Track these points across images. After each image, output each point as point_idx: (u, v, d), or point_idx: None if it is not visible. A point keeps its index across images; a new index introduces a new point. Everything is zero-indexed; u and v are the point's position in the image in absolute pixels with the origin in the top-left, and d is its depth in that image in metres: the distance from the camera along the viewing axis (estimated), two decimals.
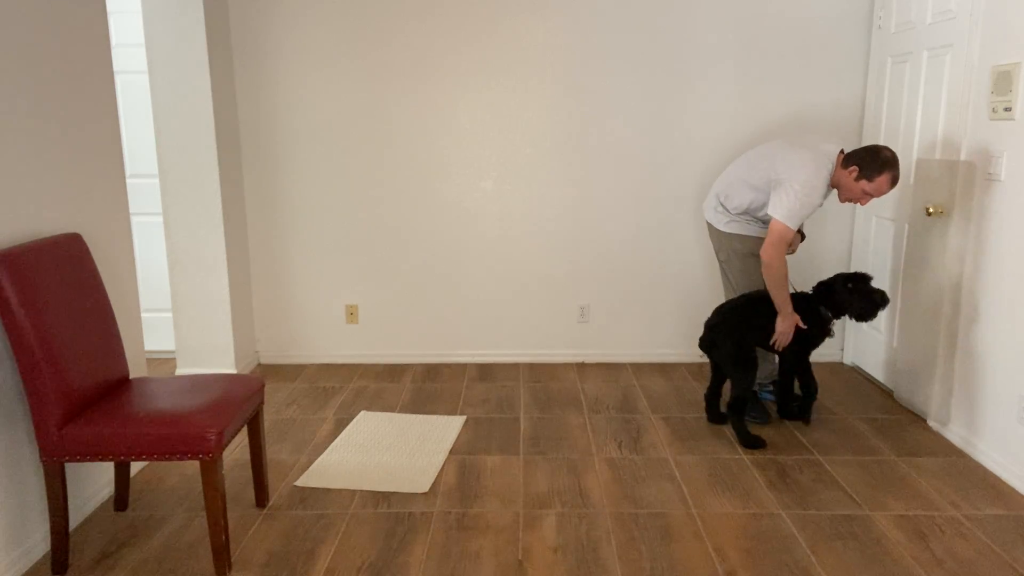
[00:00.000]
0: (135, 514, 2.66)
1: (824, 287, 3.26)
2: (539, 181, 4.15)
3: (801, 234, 3.47)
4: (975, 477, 2.90)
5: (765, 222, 3.35)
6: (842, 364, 4.26)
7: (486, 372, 4.17)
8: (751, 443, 3.15)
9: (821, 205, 3.21)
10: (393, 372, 4.19)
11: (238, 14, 3.97)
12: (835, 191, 3.35)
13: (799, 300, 3.26)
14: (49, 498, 2.24)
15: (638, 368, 4.22)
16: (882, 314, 3.84)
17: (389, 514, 2.65)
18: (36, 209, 2.39)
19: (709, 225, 3.51)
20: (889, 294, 3.76)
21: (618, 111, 4.06)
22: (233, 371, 4.05)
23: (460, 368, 4.25)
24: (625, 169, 4.12)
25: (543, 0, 3.95)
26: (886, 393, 3.79)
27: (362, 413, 3.56)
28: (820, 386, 3.83)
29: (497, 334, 4.32)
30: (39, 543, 2.39)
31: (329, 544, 2.47)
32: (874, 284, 3.31)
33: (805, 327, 3.20)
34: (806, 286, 4.06)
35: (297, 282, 4.27)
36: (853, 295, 3.18)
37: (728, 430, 3.34)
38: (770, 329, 3.20)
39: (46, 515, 2.43)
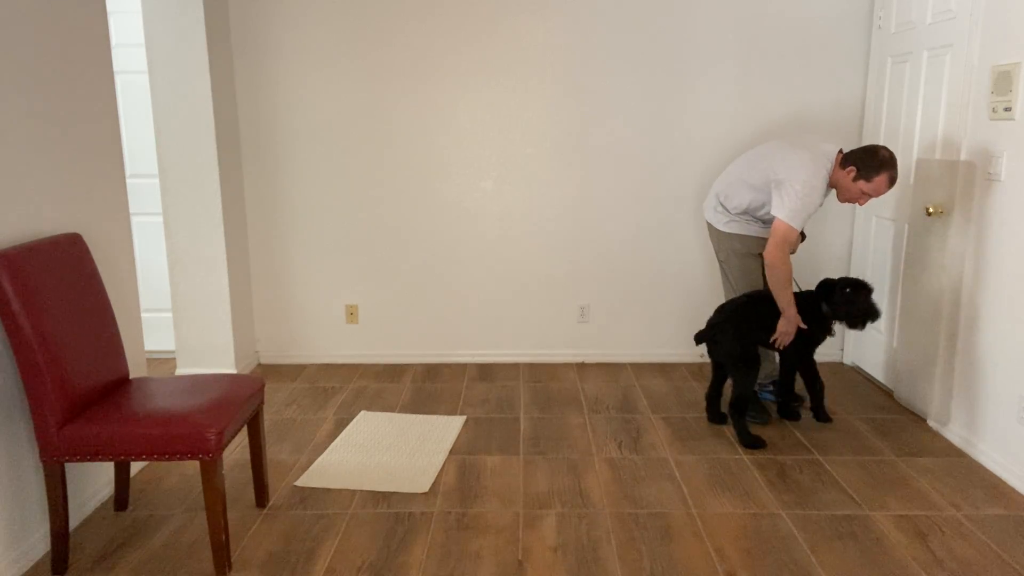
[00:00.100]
0: (135, 514, 2.66)
1: (826, 286, 3.26)
2: (539, 181, 4.15)
3: (802, 234, 3.47)
4: (975, 477, 2.90)
5: (765, 222, 3.35)
6: (842, 364, 4.26)
7: (486, 372, 4.18)
8: (751, 443, 3.15)
9: (821, 205, 3.21)
10: (393, 372, 4.19)
11: (238, 14, 3.97)
12: (834, 191, 3.35)
13: (801, 298, 3.26)
14: (49, 498, 2.24)
15: (638, 368, 4.23)
16: (883, 314, 3.84)
17: (389, 514, 2.65)
18: (36, 209, 2.40)
19: (709, 225, 3.51)
20: (889, 294, 3.77)
21: (618, 111, 4.06)
22: (233, 371, 4.05)
23: (460, 368, 4.25)
24: (625, 169, 4.12)
25: (543, 0, 3.95)
26: (886, 393, 3.79)
27: (362, 413, 3.56)
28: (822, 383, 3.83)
29: (497, 334, 4.32)
30: (39, 543, 2.39)
31: (329, 544, 2.47)
32: (874, 297, 3.32)
33: (806, 327, 3.21)
34: (806, 286, 4.06)
35: (297, 282, 4.27)
36: (847, 301, 3.18)
37: (728, 430, 3.35)
38: (773, 329, 3.20)
39: (46, 515, 2.43)
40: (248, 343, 4.22)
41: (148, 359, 4.42)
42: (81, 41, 2.64)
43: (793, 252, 3.46)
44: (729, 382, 3.50)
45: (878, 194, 3.07)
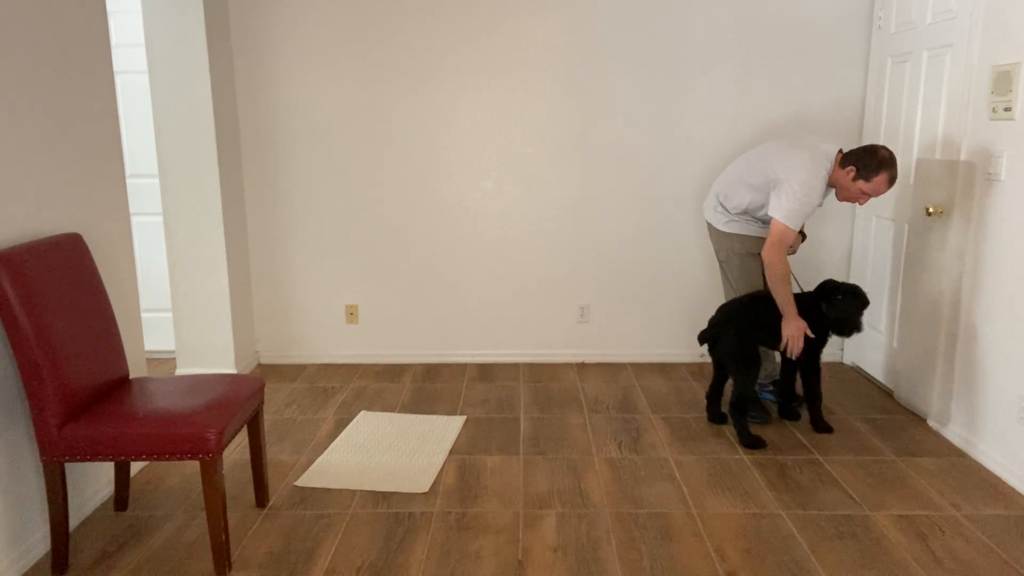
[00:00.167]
0: (135, 514, 2.66)
1: (826, 288, 3.24)
2: (539, 181, 4.15)
3: (802, 234, 3.47)
4: (975, 477, 2.90)
5: (765, 222, 3.35)
6: (842, 364, 4.26)
7: (486, 372, 4.18)
8: (751, 443, 3.15)
9: (820, 205, 3.21)
10: (393, 372, 4.19)
11: (238, 14, 3.97)
12: (833, 191, 3.35)
13: (802, 299, 3.25)
14: (49, 498, 2.24)
15: (638, 368, 4.22)
16: (883, 314, 3.84)
17: (389, 514, 2.65)
18: (36, 209, 2.40)
19: (709, 225, 3.51)
20: (889, 294, 3.77)
21: (618, 111, 4.06)
22: (233, 371, 4.05)
23: (460, 368, 4.25)
24: (625, 169, 4.12)
25: (543, 0, 3.95)
26: (886, 393, 3.79)
27: (362, 413, 3.56)
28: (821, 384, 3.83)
29: (497, 334, 4.32)
30: (39, 543, 2.40)
31: (329, 544, 2.47)
32: (873, 299, 3.30)
33: (813, 336, 3.18)
34: (807, 286, 4.07)
35: (297, 282, 4.27)
36: (839, 308, 3.17)
37: (728, 430, 3.35)
38: (774, 329, 3.19)
39: (46, 515, 2.43)
40: (248, 343, 4.22)
41: (148, 359, 4.42)
42: (81, 41, 2.64)
43: (793, 252, 3.46)
44: (730, 382, 3.50)
45: (877, 194, 3.07)
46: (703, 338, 3.28)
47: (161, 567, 2.34)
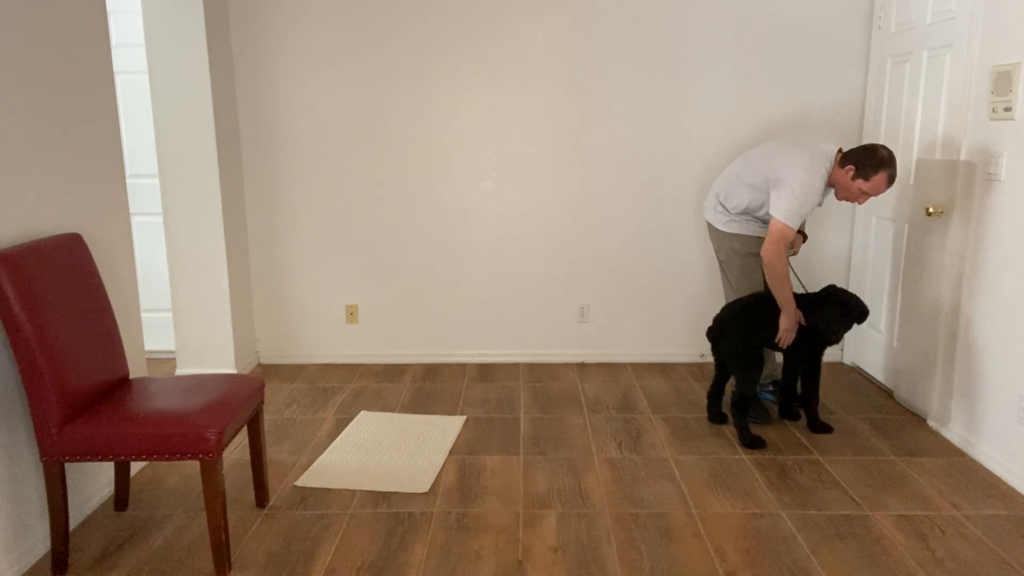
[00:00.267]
0: (135, 514, 2.66)
1: (825, 293, 3.23)
2: (539, 181, 4.15)
3: (803, 235, 3.47)
4: (975, 477, 2.90)
5: (765, 222, 3.35)
6: (842, 364, 4.26)
7: (486, 372, 4.18)
8: (752, 443, 3.15)
9: (820, 204, 3.21)
10: (393, 372, 4.19)
11: (238, 14, 3.97)
12: (833, 190, 3.35)
13: (801, 300, 3.25)
14: (49, 498, 2.24)
15: (638, 368, 4.22)
16: (883, 314, 3.84)
17: (389, 514, 2.65)
18: (36, 209, 2.40)
19: (709, 225, 3.51)
20: (889, 294, 3.77)
21: (618, 111, 4.06)
22: (233, 371, 4.05)
23: (460, 368, 4.25)
24: (625, 169, 4.12)
25: (543, 0, 3.95)
26: (886, 393, 3.79)
27: (362, 413, 3.56)
28: (820, 386, 3.83)
29: (497, 334, 4.32)
30: (39, 543, 2.40)
31: (329, 544, 2.47)
32: (853, 323, 3.28)
33: (806, 323, 3.19)
34: (806, 287, 4.07)
35: (297, 282, 4.27)
36: (823, 314, 3.16)
37: (728, 430, 3.35)
38: (777, 330, 3.19)
39: (46, 515, 2.43)
40: (248, 343, 4.22)
41: (148, 359, 4.42)
42: (81, 41, 2.64)
43: (795, 253, 3.47)
44: (731, 382, 3.51)
45: (876, 193, 3.06)
46: (711, 334, 3.27)
47: (161, 567, 2.34)
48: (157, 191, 4.30)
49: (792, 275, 3.84)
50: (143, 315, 4.25)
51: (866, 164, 3.03)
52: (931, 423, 3.36)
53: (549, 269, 4.24)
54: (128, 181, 4.19)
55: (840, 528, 2.54)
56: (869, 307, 3.95)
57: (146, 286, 4.39)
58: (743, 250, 3.40)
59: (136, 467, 2.99)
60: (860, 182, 3.06)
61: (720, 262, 3.53)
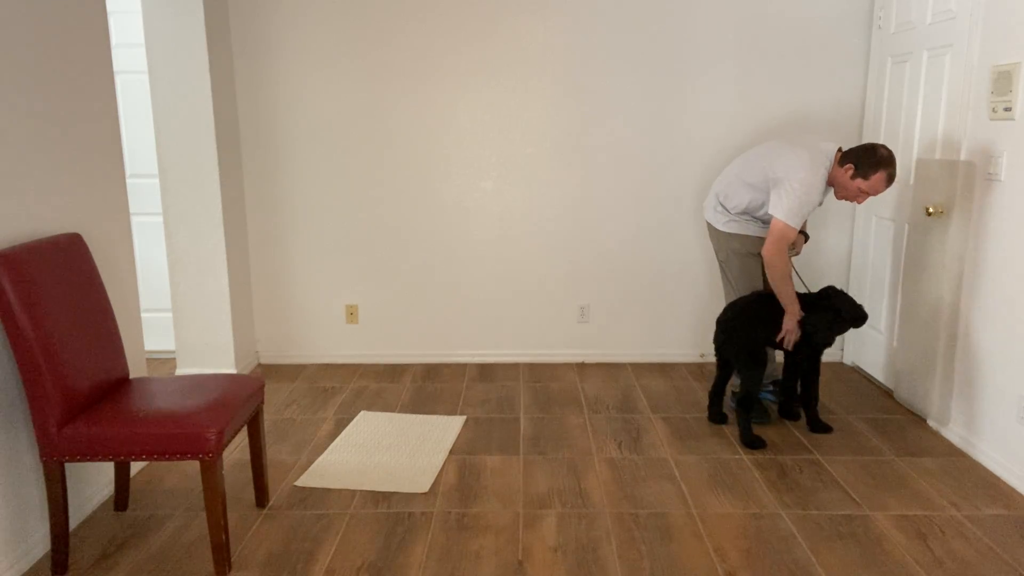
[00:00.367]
0: (135, 514, 2.66)
1: (822, 295, 3.23)
2: (539, 181, 4.15)
3: (805, 235, 3.47)
4: (975, 477, 2.90)
5: (764, 222, 3.35)
6: (842, 364, 4.26)
7: (486, 372, 4.18)
8: (752, 443, 3.15)
9: (820, 204, 3.21)
10: (393, 372, 4.19)
11: (238, 14, 3.97)
12: (833, 189, 3.35)
13: (802, 300, 3.25)
14: (49, 498, 2.24)
15: (638, 368, 4.22)
16: (883, 314, 3.84)
17: (389, 514, 2.65)
18: (36, 209, 2.40)
19: (709, 225, 3.51)
20: (889, 294, 3.77)
21: (618, 111, 4.06)
22: (233, 371, 4.05)
23: (460, 368, 4.25)
24: (625, 169, 4.12)
25: (543, 0, 3.95)
26: (886, 393, 3.79)
27: (362, 413, 3.56)
28: (820, 386, 3.83)
29: (497, 334, 4.32)
30: (39, 543, 2.39)
31: (329, 544, 2.47)
32: (841, 327, 3.29)
33: (804, 314, 3.19)
34: (809, 287, 4.07)
35: (297, 282, 4.27)
36: (811, 316, 3.16)
37: (728, 430, 3.34)
38: (780, 328, 3.19)
39: (46, 515, 2.43)
40: (248, 343, 4.22)
41: (148, 359, 4.42)
42: (81, 41, 2.64)
43: (798, 253, 3.47)
44: (731, 382, 3.51)
45: (875, 192, 3.06)
46: (718, 338, 3.27)
47: (161, 567, 2.34)
48: (157, 191, 4.30)
49: (795, 275, 3.84)
50: (143, 315, 4.25)
51: (865, 163, 3.03)
52: (931, 423, 3.36)
53: (549, 269, 4.24)
54: (128, 181, 4.19)
55: (840, 528, 2.54)
56: (869, 307, 3.96)
57: (146, 286, 4.39)
58: (743, 250, 3.40)
59: (136, 467, 2.99)
60: (859, 181, 3.06)
61: (720, 262, 3.53)
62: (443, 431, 3.33)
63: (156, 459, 2.22)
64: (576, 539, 2.48)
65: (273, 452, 3.16)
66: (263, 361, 4.36)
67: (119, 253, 2.89)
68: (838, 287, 3.51)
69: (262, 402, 2.63)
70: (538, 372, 4.17)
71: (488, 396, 3.79)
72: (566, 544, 2.46)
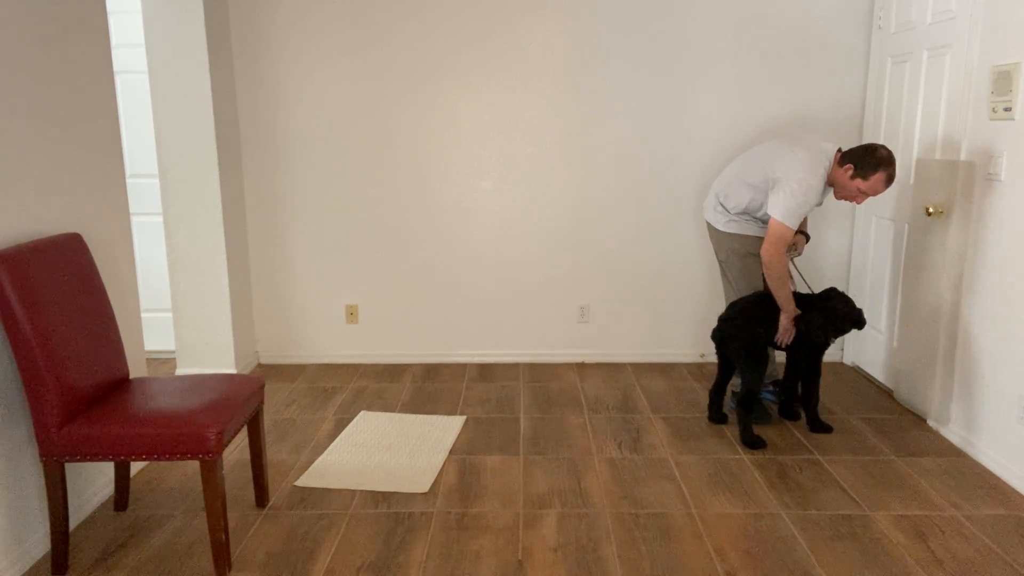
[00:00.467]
0: (135, 514, 2.66)
1: (820, 296, 3.24)
2: (539, 181, 4.15)
3: (806, 235, 3.47)
4: (975, 477, 2.90)
5: (764, 222, 3.35)
6: (842, 364, 4.26)
7: (486, 372, 4.18)
8: (753, 443, 3.15)
9: (820, 204, 3.22)
10: (393, 372, 4.19)
11: (238, 14, 3.97)
12: (832, 189, 3.35)
13: (802, 300, 3.25)
14: (49, 498, 2.24)
15: (638, 368, 4.22)
16: (883, 314, 3.84)
17: (389, 514, 2.65)
18: (36, 209, 2.40)
19: (709, 225, 3.51)
20: (889, 294, 3.77)
21: (618, 111, 4.06)
22: (233, 371, 4.05)
23: (460, 368, 4.25)
24: (625, 169, 4.12)
25: (543, 0, 3.95)
26: (886, 393, 3.79)
27: (362, 413, 3.56)
28: (820, 386, 3.82)
29: (497, 334, 4.32)
30: (39, 543, 2.39)
31: (329, 544, 2.47)
32: (834, 330, 3.30)
33: (800, 312, 3.19)
34: (811, 287, 4.06)
35: (297, 282, 4.27)
36: (804, 316, 3.16)
37: (728, 430, 3.35)
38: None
39: (46, 515, 2.43)
40: (248, 343, 4.22)
41: (148, 359, 4.42)
42: (81, 41, 2.64)
43: (799, 254, 3.47)
44: (732, 382, 3.51)
45: (875, 192, 3.06)
46: (717, 335, 3.27)
47: (161, 567, 2.34)
48: (157, 191, 4.29)
49: (797, 275, 3.84)
50: (143, 315, 4.25)
51: (865, 163, 3.03)
52: (931, 423, 3.36)
53: (549, 269, 4.24)
54: (128, 181, 4.19)
55: (840, 528, 2.54)
56: (869, 307, 3.95)
57: (146, 286, 4.39)
58: (743, 250, 3.40)
59: (136, 467, 2.99)
60: (858, 181, 3.06)
61: (720, 262, 3.53)
62: (443, 431, 3.33)
63: (156, 459, 2.22)
64: (576, 539, 2.48)
65: (273, 452, 3.16)
66: (263, 361, 4.36)
67: (119, 253, 2.89)
68: (839, 289, 3.50)
69: (262, 402, 2.63)
70: (538, 372, 4.17)
71: (488, 396, 3.79)
72: (566, 544, 2.46)
